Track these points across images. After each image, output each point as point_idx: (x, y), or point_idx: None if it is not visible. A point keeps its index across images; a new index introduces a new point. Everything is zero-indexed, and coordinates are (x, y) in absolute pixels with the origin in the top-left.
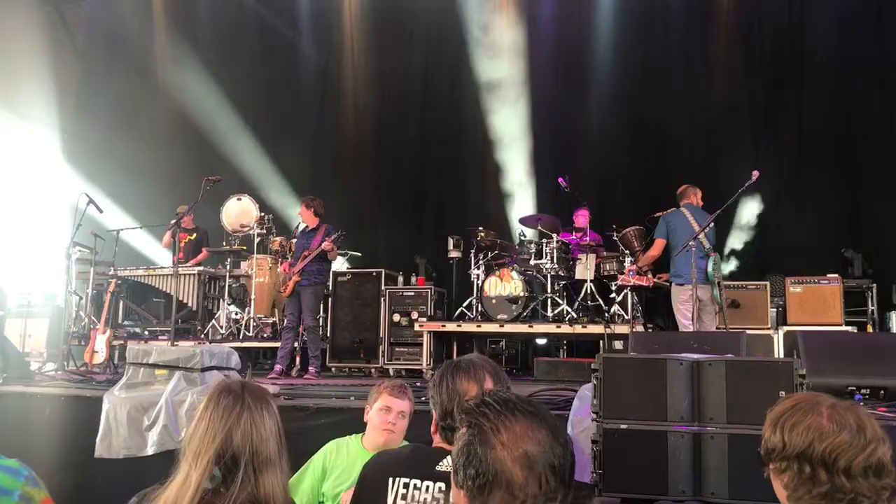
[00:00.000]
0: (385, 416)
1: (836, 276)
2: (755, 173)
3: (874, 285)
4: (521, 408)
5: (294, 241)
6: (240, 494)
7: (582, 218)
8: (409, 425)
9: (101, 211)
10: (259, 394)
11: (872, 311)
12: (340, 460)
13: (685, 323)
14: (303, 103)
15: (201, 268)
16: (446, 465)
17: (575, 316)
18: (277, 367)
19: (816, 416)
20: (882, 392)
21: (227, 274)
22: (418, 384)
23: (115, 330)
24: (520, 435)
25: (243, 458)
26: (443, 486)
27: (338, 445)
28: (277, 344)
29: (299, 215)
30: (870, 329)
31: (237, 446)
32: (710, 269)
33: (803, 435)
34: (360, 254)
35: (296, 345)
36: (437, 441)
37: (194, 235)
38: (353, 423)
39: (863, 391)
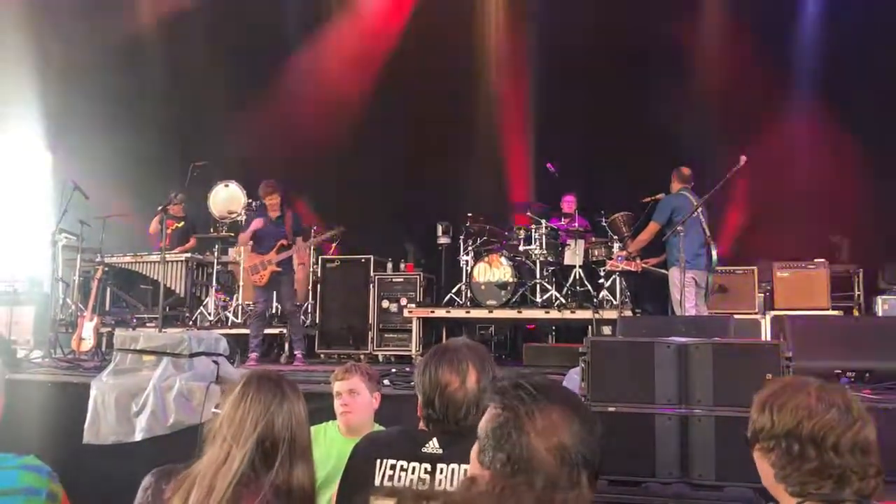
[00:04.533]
0: (338, 401)
1: (822, 261)
2: (743, 158)
3: (860, 270)
4: (557, 395)
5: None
6: (274, 480)
7: (567, 204)
8: (395, 408)
9: (87, 197)
10: (293, 384)
11: (859, 295)
12: (318, 446)
13: (688, 307)
14: (291, 86)
15: (189, 255)
16: (431, 447)
17: (564, 301)
18: (255, 355)
19: (805, 395)
20: (867, 375)
21: (215, 261)
22: (407, 369)
23: (102, 317)
24: (556, 423)
25: (282, 445)
26: (427, 467)
27: (315, 432)
28: (267, 330)
29: (272, 205)
30: (856, 313)
31: (278, 433)
32: (714, 256)
33: (792, 414)
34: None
35: (284, 331)
36: (423, 424)
37: (182, 223)
38: None
39: (849, 374)
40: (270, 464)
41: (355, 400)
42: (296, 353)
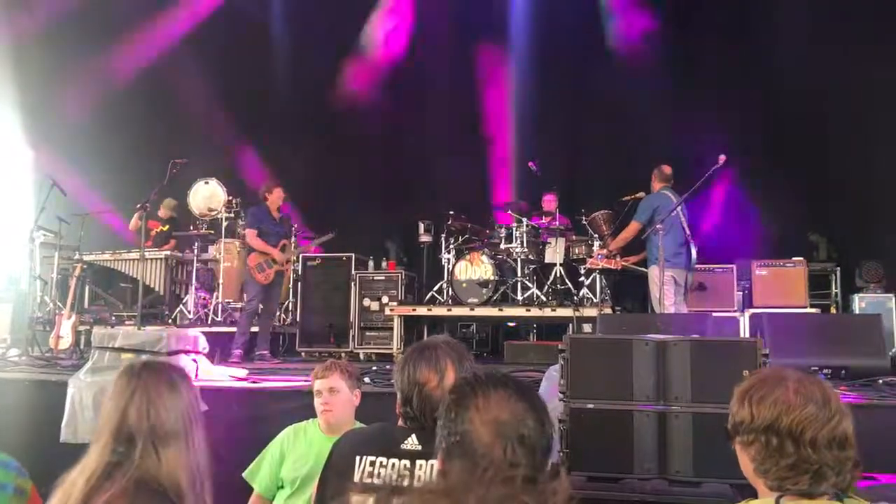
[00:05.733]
0: (319, 399)
1: (801, 259)
2: (721, 157)
3: (838, 268)
4: (505, 381)
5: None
6: (136, 471)
7: (548, 203)
8: (376, 405)
9: (65, 194)
10: (160, 370)
11: (836, 293)
12: (298, 445)
13: (667, 304)
14: (274, 85)
15: (168, 252)
16: (410, 443)
17: (544, 299)
18: (239, 352)
19: (783, 389)
20: (843, 371)
21: (195, 258)
22: (388, 367)
23: (80, 315)
24: (495, 402)
25: (140, 434)
26: (407, 463)
27: (295, 430)
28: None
29: (276, 203)
30: (833, 311)
31: (134, 422)
32: (694, 254)
33: (771, 408)
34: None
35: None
36: (402, 422)
37: (167, 227)
38: None
39: (825, 371)
40: (129, 456)
41: (335, 398)
42: (265, 351)
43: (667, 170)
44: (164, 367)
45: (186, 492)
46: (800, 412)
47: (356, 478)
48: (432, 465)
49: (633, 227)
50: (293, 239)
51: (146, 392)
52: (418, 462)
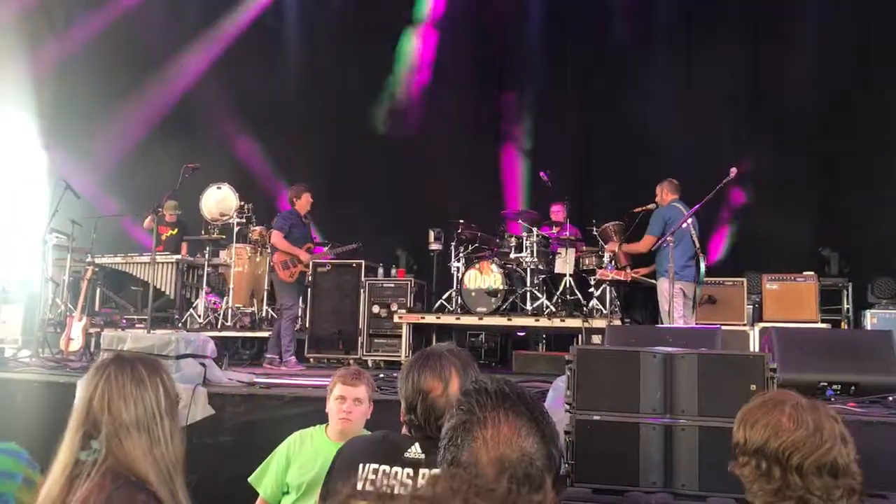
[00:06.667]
0: (340, 405)
1: (812, 274)
2: (733, 170)
3: (850, 284)
4: (516, 407)
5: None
6: (107, 462)
7: (555, 213)
8: (381, 413)
9: (78, 197)
10: (127, 363)
11: (847, 309)
12: (304, 450)
13: (676, 317)
14: (286, 92)
15: (179, 256)
16: (413, 452)
17: (554, 310)
18: (294, 358)
19: (778, 414)
20: (853, 388)
21: (206, 263)
22: (395, 375)
23: (91, 318)
24: (504, 436)
25: (103, 425)
26: (410, 471)
27: (301, 436)
28: (257, 334)
29: (304, 206)
30: (844, 326)
31: (95, 413)
32: (703, 268)
33: (761, 432)
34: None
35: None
36: (406, 430)
37: (176, 230)
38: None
39: (834, 386)
40: (100, 446)
41: (359, 408)
42: (274, 356)
43: (675, 182)
44: (132, 359)
45: (158, 486)
46: (788, 437)
47: (358, 485)
48: None
49: (648, 241)
50: None
51: (108, 383)
52: (421, 471)
